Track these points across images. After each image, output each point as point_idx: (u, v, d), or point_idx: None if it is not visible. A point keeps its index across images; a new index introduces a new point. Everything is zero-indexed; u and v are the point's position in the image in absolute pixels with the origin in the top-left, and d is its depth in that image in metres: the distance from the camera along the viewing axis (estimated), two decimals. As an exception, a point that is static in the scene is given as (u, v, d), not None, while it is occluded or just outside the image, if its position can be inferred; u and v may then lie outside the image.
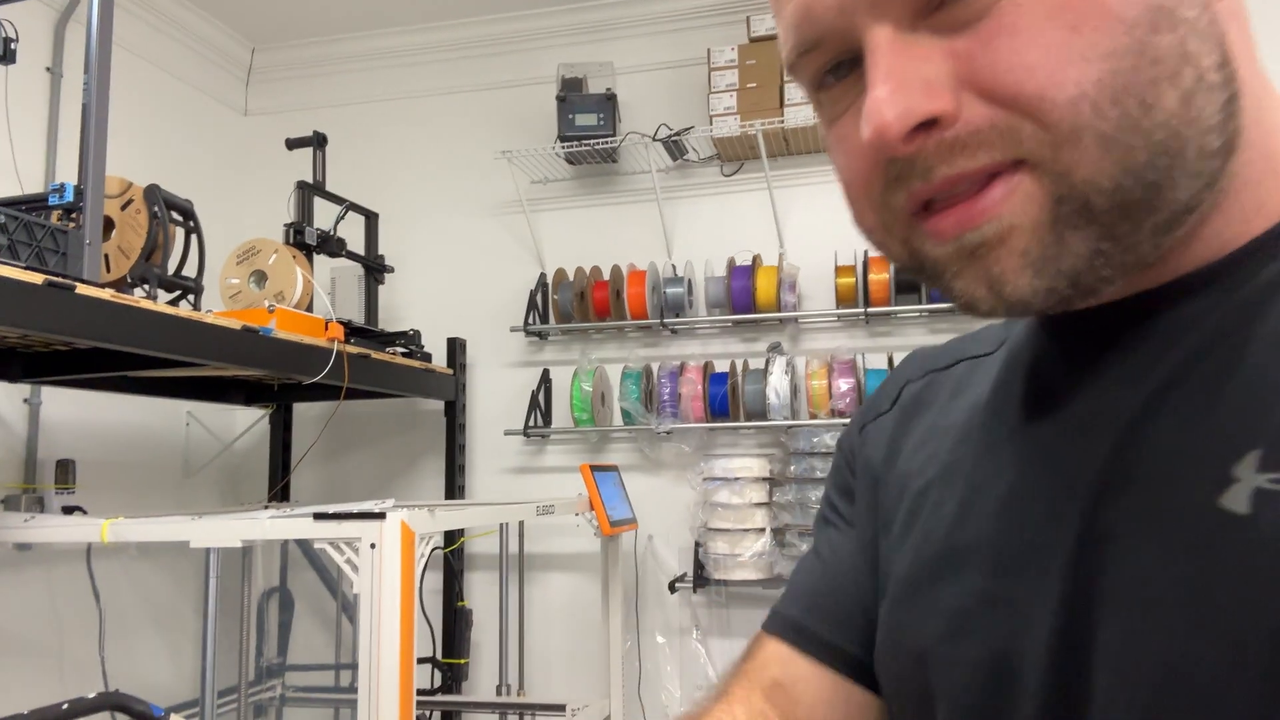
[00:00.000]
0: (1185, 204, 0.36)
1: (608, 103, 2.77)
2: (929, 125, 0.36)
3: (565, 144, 2.78)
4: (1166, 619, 0.35)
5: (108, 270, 1.87)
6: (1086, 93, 0.34)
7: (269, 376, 2.45)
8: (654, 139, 2.77)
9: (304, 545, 2.88)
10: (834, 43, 0.39)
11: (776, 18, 0.42)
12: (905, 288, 2.54)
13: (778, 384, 2.56)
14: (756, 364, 2.67)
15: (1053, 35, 0.34)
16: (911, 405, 0.56)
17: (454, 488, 2.87)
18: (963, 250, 0.38)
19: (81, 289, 1.55)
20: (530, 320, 2.89)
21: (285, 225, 2.51)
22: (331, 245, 2.58)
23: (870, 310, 2.58)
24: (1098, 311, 0.41)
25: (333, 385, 2.26)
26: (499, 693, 2.69)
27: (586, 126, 2.75)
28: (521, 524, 2.82)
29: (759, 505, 2.54)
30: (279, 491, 2.91)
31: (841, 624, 0.56)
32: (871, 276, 2.55)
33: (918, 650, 0.46)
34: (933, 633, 0.46)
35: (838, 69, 0.40)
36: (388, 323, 2.95)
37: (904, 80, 0.36)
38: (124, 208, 1.91)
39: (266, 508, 2.36)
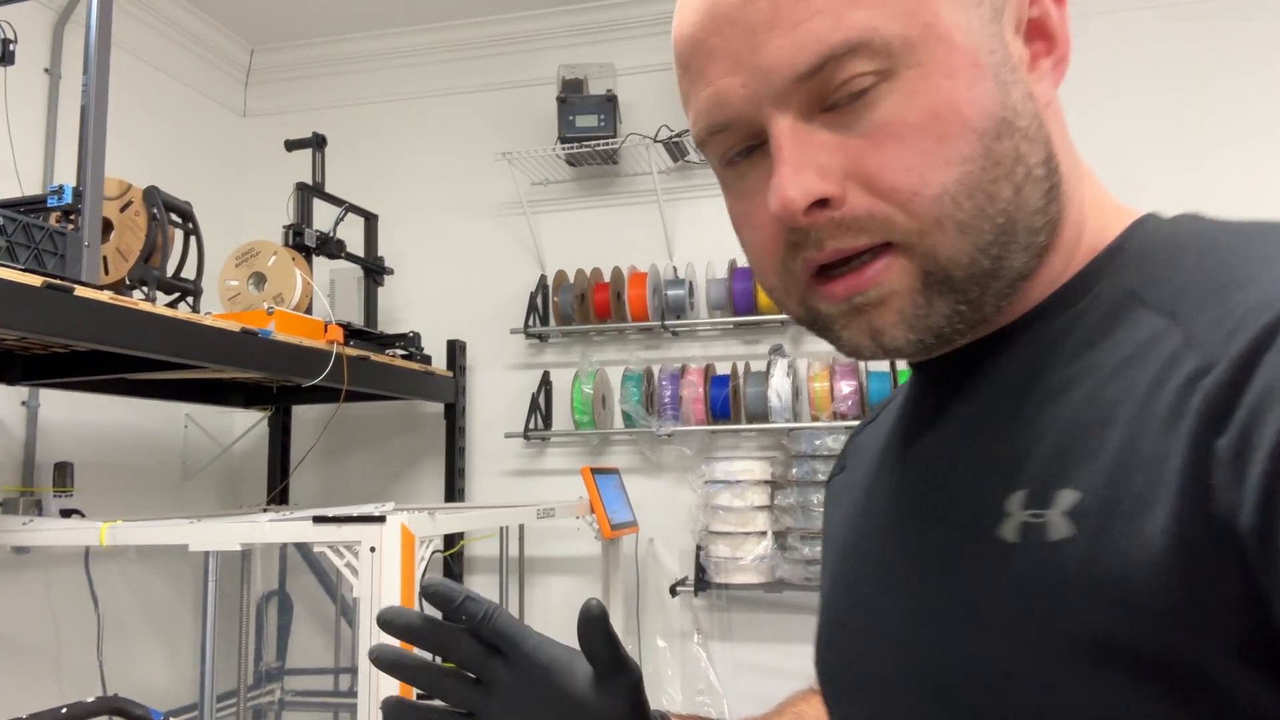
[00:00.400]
0: (1019, 271, 0.46)
1: (608, 104, 2.76)
2: (823, 204, 0.44)
3: (566, 145, 2.77)
4: (954, 627, 0.44)
5: (106, 272, 1.86)
6: (948, 190, 0.43)
7: (268, 379, 2.44)
8: (655, 140, 2.77)
9: (303, 549, 2.87)
10: (741, 127, 0.47)
11: (687, 99, 0.50)
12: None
13: (779, 386, 2.55)
14: (758, 366, 2.66)
15: (925, 142, 0.43)
16: (851, 462, 0.65)
17: (454, 491, 2.86)
18: (851, 309, 0.46)
19: (80, 291, 1.54)
20: (531, 322, 2.88)
21: (284, 227, 2.50)
22: (331, 247, 2.57)
23: (872, 312, 2.57)
24: (950, 357, 0.50)
25: (332, 388, 2.25)
26: (499, 696, 2.67)
27: (587, 128, 2.75)
28: (522, 527, 2.81)
29: (760, 508, 2.53)
30: (278, 494, 2.90)
31: None
32: (873, 278, 2.54)
33: (831, 663, 0.58)
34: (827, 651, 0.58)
35: (745, 150, 0.48)
36: (387, 325, 2.94)
37: (804, 164, 0.44)
38: (123, 209, 1.90)
39: (265, 511, 2.35)
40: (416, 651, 0.58)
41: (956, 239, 0.44)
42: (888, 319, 0.46)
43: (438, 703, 0.59)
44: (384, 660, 0.57)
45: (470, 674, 0.58)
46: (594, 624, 0.55)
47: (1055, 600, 0.39)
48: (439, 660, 0.59)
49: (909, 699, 0.46)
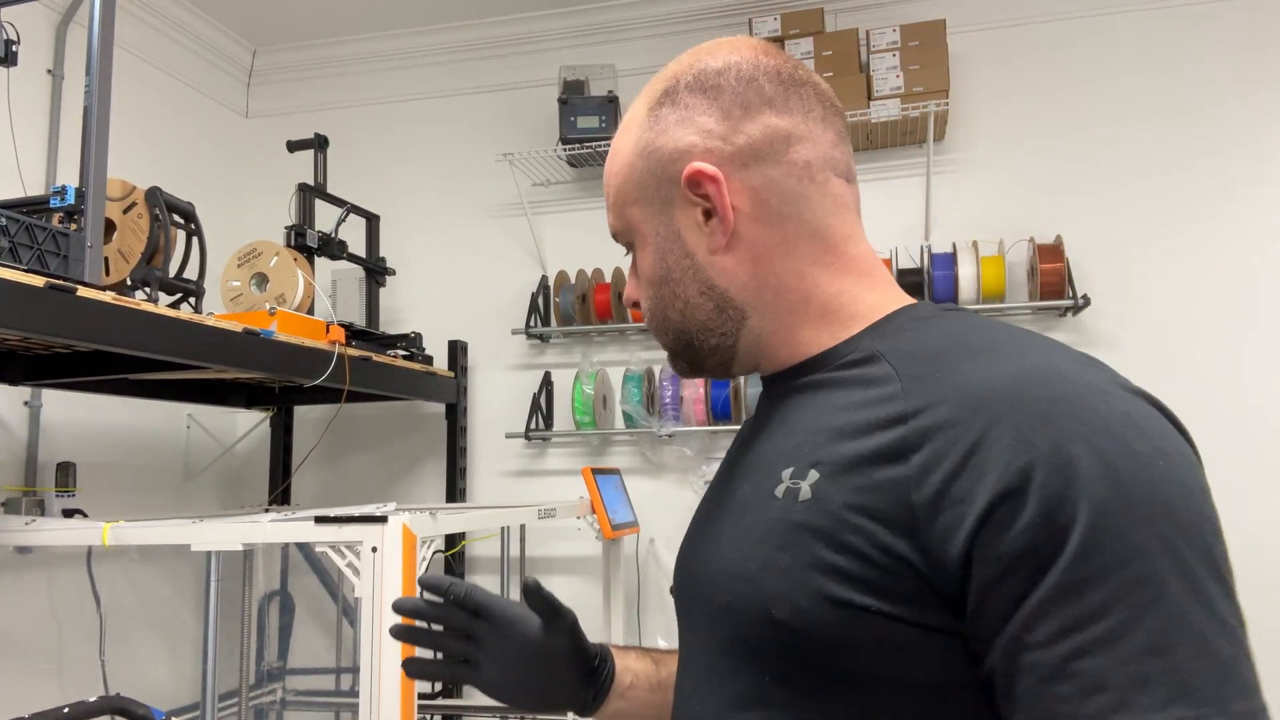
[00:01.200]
0: (717, 346, 0.75)
1: (609, 105, 2.77)
2: (635, 304, 0.79)
3: (567, 146, 2.78)
4: (743, 549, 0.66)
5: (107, 273, 1.87)
6: (649, 310, 0.77)
7: (270, 379, 2.44)
8: (656, 141, 2.77)
9: (305, 549, 2.87)
10: (622, 241, 0.80)
11: None
12: (907, 290, 2.53)
13: (780, 387, 2.55)
14: (758, 367, 2.66)
15: (647, 286, 0.76)
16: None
17: (455, 491, 2.87)
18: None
19: (83, 291, 1.55)
20: (532, 323, 2.88)
21: (286, 227, 2.51)
22: (333, 248, 2.57)
23: (872, 313, 2.57)
24: (766, 377, 0.77)
25: (334, 388, 2.26)
26: (500, 696, 2.67)
27: (588, 129, 2.75)
28: (523, 527, 2.81)
29: (761, 508, 2.53)
30: (280, 495, 2.90)
31: None
32: (874, 279, 2.54)
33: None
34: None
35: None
36: (389, 325, 2.95)
37: (630, 283, 0.79)
38: (126, 211, 1.91)
39: (267, 511, 2.35)
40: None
41: (660, 335, 0.77)
42: (672, 364, 0.81)
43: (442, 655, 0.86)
44: (398, 632, 0.85)
45: (461, 634, 0.85)
46: (531, 591, 0.82)
47: (794, 536, 0.61)
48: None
49: (706, 589, 0.69)
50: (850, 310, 0.72)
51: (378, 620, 1.61)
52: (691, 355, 0.76)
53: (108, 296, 1.61)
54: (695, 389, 2.65)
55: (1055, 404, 0.54)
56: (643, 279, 0.76)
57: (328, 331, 2.24)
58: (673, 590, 0.81)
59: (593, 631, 0.88)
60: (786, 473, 0.64)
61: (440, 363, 2.87)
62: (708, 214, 0.71)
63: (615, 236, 0.78)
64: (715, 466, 2.66)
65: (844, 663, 0.58)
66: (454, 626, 0.84)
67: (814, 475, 0.62)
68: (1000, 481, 0.52)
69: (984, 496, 0.53)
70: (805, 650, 0.59)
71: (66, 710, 1.66)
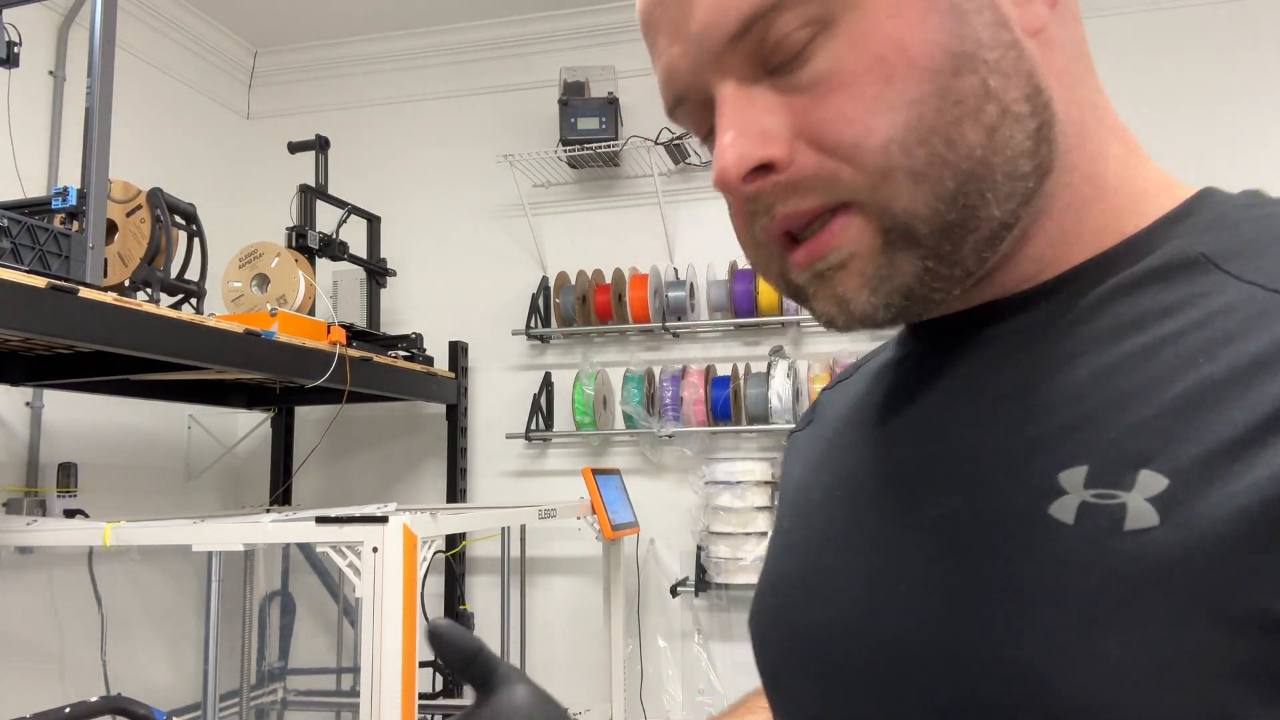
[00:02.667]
0: (1002, 220, 0.41)
1: (610, 106, 2.77)
2: (766, 169, 0.42)
3: (567, 147, 2.78)
4: (987, 611, 0.37)
5: (105, 275, 1.87)
6: (894, 137, 0.39)
7: (271, 380, 2.45)
8: (656, 143, 2.77)
9: (306, 549, 2.88)
10: (695, 98, 0.45)
11: (656, 75, 0.47)
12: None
13: (780, 387, 2.56)
14: (759, 367, 2.67)
15: (868, 89, 0.40)
16: (819, 417, 0.61)
17: (455, 491, 2.87)
18: (816, 276, 0.43)
19: (84, 292, 1.55)
20: (532, 324, 2.89)
21: (287, 229, 2.51)
22: (334, 248, 2.58)
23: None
24: (947, 320, 0.47)
25: (335, 389, 2.26)
26: (500, 697, 2.68)
27: (588, 130, 2.75)
28: (523, 528, 2.81)
29: (761, 509, 2.54)
30: (281, 495, 2.91)
31: None
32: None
33: (783, 634, 0.50)
34: (781, 615, 0.51)
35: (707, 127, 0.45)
36: (390, 326, 2.95)
37: (743, 130, 0.42)
38: (129, 214, 1.91)
39: (268, 511, 2.36)
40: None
41: (911, 190, 0.40)
42: (851, 284, 0.43)
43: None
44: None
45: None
46: (436, 639, 0.52)
47: (1129, 597, 0.34)
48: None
49: (906, 697, 0.40)
50: (1136, 185, 0.44)
51: (378, 620, 1.61)
52: (959, 235, 0.41)
53: (109, 297, 1.62)
54: (695, 389, 2.65)
55: None
56: (870, 77, 0.40)
57: (329, 332, 2.24)
58: (763, 658, 0.53)
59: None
60: (1071, 476, 0.37)
61: (441, 363, 2.88)
62: None
63: (751, 24, 0.41)
64: (716, 467, 2.68)
65: None
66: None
67: (1153, 481, 0.35)
68: None
69: None
70: None
71: (68, 710, 1.67)
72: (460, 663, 0.53)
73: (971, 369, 0.45)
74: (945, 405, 0.46)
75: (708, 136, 0.46)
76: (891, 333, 0.53)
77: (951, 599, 0.39)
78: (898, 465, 0.47)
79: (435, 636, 0.52)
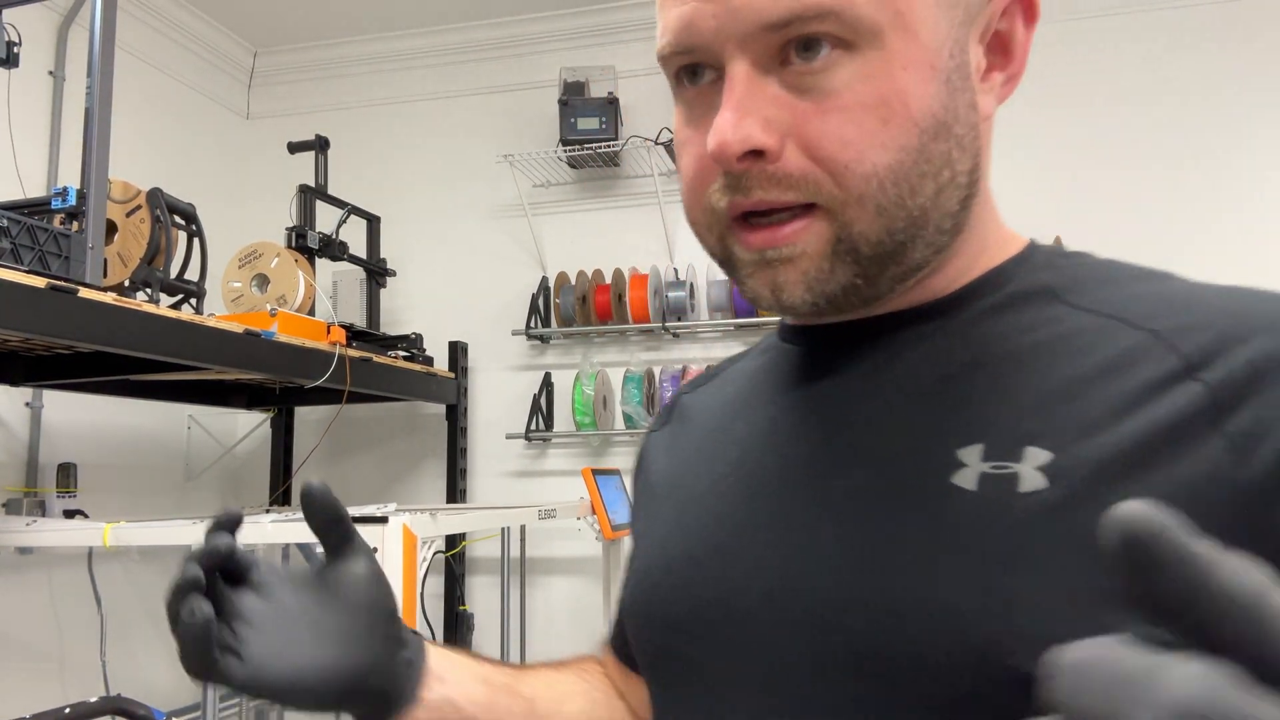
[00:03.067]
0: (918, 262, 0.50)
1: (609, 106, 2.77)
2: (758, 154, 0.46)
3: (567, 148, 2.78)
4: (893, 571, 0.44)
5: (104, 275, 1.87)
6: (878, 172, 0.46)
7: (271, 380, 2.45)
8: (656, 142, 2.77)
9: (306, 549, 2.87)
10: (703, 55, 0.48)
11: (661, 11, 0.50)
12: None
13: (780, 388, 2.56)
14: (758, 368, 2.66)
15: (869, 123, 0.45)
16: (679, 418, 0.67)
17: (455, 491, 2.87)
18: (762, 260, 0.49)
19: (84, 292, 1.55)
20: (532, 324, 2.89)
21: (287, 229, 2.51)
22: (333, 249, 2.58)
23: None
24: (838, 327, 0.54)
25: (334, 389, 2.26)
26: (500, 697, 2.67)
27: (588, 130, 2.75)
28: (523, 528, 2.81)
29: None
30: (280, 495, 2.90)
31: (623, 638, 0.67)
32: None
33: (673, 610, 0.54)
34: (677, 593, 0.54)
35: (695, 74, 0.49)
36: (389, 326, 2.95)
37: (749, 112, 0.46)
38: (129, 214, 1.91)
39: (268, 511, 2.35)
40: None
41: (873, 218, 0.47)
42: (791, 277, 0.48)
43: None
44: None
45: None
46: (314, 498, 0.55)
47: (1026, 545, 0.42)
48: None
49: (829, 648, 0.46)
50: (997, 236, 0.54)
51: (378, 620, 1.61)
52: (886, 264, 0.48)
53: (109, 297, 1.61)
54: (695, 390, 2.65)
55: None
56: (873, 112, 0.46)
57: (328, 332, 2.24)
58: (655, 635, 0.55)
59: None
60: (969, 452, 0.45)
61: (441, 364, 2.88)
62: (991, 64, 0.51)
63: (790, 20, 0.45)
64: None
65: None
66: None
67: (1039, 455, 0.43)
68: None
69: None
70: None
71: (67, 711, 1.67)
72: (323, 524, 0.56)
73: (872, 365, 0.52)
74: (845, 395, 0.53)
75: (681, 83, 0.51)
76: (743, 345, 0.56)
77: (868, 556, 0.46)
78: (799, 449, 0.53)
79: (307, 494, 0.55)
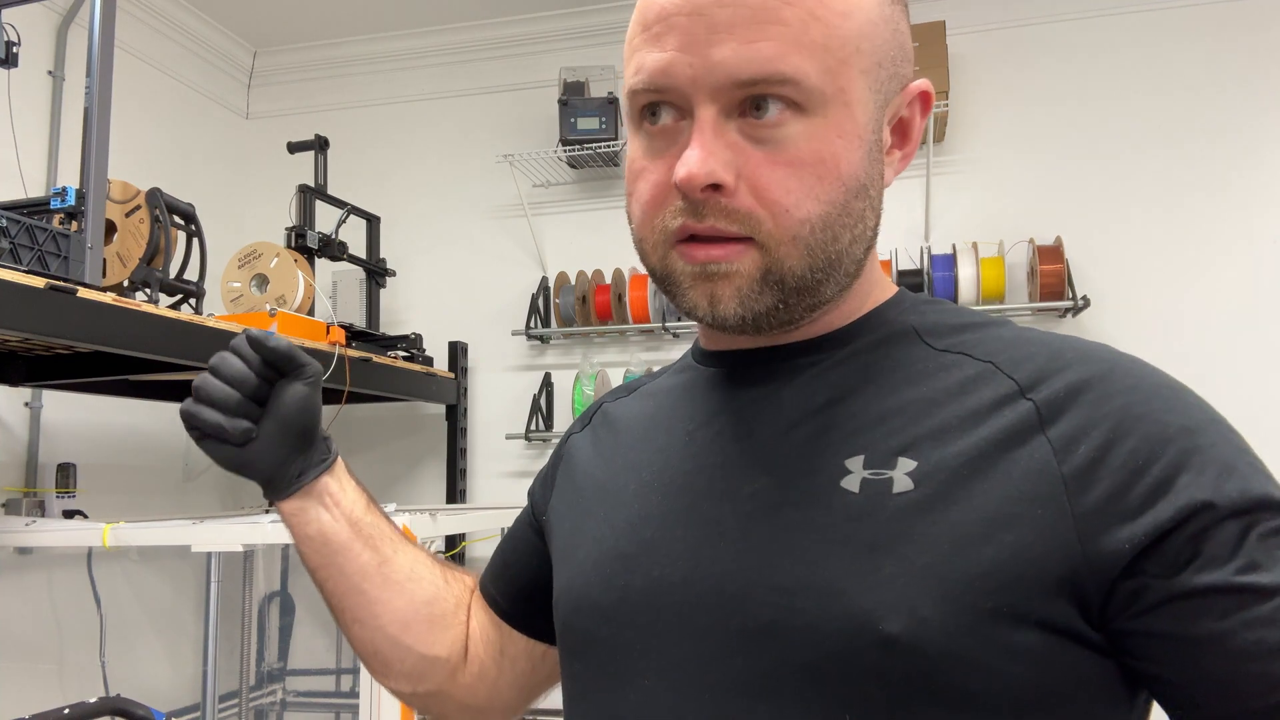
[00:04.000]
0: (827, 298, 0.59)
1: (610, 106, 2.77)
2: (716, 187, 0.55)
3: (567, 147, 2.78)
4: (789, 558, 0.54)
5: (103, 276, 1.87)
6: (811, 219, 0.55)
7: (270, 380, 2.44)
8: (656, 143, 2.77)
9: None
10: (674, 97, 0.56)
11: (635, 52, 0.58)
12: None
13: (780, 388, 2.55)
14: (758, 368, 2.66)
15: (808, 177, 0.55)
16: (601, 423, 0.75)
17: (455, 492, 2.87)
18: (702, 274, 0.57)
19: (83, 292, 1.55)
20: (532, 324, 2.88)
21: (287, 229, 2.51)
22: (333, 249, 2.57)
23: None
24: (748, 353, 0.64)
25: (334, 389, 2.26)
26: (500, 697, 2.67)
27: (588, 130, 2.75)
28: (523, 528, 2.80)
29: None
30: (280, 495, 2.89)
31: (503, 587, 0.83)
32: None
33: (599, 602, 0.63)
34: (608, 583, 0.63)
35: (654, 113, 0.57)
36: (389, 326, 2.95)
37: (714, 152, 0.54)
38: (129, 215, 1.91)
39: (268, 512, 2.35)
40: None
41: (800, 256, 0.56)
42: (726, 291, 0.57)
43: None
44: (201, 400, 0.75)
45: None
46: (259, 341, 0.73)
47: (898, 535, 0.52)
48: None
49: (720, 607, 0.55)
50: (875, 281, 0.65)
51: (378, 621, 1.61)
52: (804, 295, 0.58)
53: (108, 297, 1.61)
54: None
55: (1134, 362, 0.57)
56: (811, 169, 0.55)
57: (328, 333, 2.24)
58: (584, 621, 0.63)
59: None
60: (853, 462, 0.55)
61: (440, 364, 2.87)
62: (893, 143, 0.61)
63: (757, 81, 0.54)
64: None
65: (963, 682, 0.50)
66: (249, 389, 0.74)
67: (908, 464, 0.54)
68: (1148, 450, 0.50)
69: (1142, 462, 0.50)
70: (918, 672, 0.50)
71: (67, 711, 1.66)
72: (273, 357, 0.73)
73: (775, 387, 0.62)
74: (752, 412, 0.62)
75: (644, 118, 0.58)
76: (665, 359, 0.63)
77: (765, 546, 0.55)
78: (712, 458, 0.62)
79: (253, 339, 0.73)
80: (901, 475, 0.54)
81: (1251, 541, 0.48)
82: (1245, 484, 0.49)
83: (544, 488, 0.79)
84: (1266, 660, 0.46)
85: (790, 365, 0.62)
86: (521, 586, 0.79)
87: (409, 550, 0.81)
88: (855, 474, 0.55)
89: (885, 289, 0.65)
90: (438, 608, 0.80)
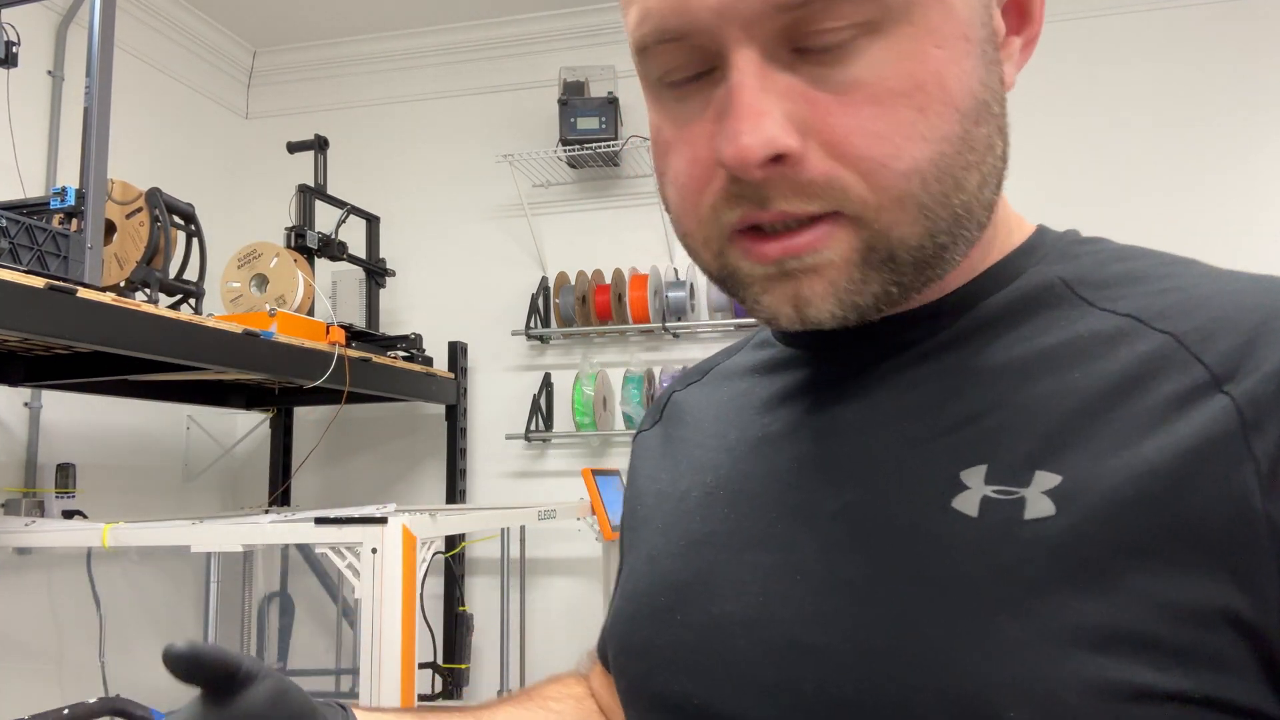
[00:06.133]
0: (954, 261, 0.44)
1: (609, 106, 2.77)
2: (779, 158, 0.40)
3: (567, 147, 2.77)
4: (895, 596, 0.40)
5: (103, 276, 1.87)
6: (919, 168, 0.40)
7: (270, 380, 2.44)
8: (656, 143, 2.77)
9: (305, 550, 2.87)
10: (699, 41, 0.41)
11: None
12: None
13: (780, 388, 2.55)
14: (758, 368, 2.66)
15: (904, 112, 0.39)
16: (671, 417, 0.61)
17: (455, 492, 2.87)
18: (780, 273, 0.42)
19: (83, 293, 1.55)
20: (532, 324, 2.88)
21: (286, 229, 2.51)
22: (333, 249, 2.57)
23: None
24: (838, 330, 0.45)
25: (334, 389, 2.26)
26: (500, 698, 2.67)
27: (588, 130, 2.75)
28: (523, 528, 2.81)
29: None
30: (280, 496, 2.90)
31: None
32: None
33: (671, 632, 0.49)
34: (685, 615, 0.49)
35: (676, 69, 0.43)
36: (389, 326, 2.94)
37: (765, 110, 0.39)
38: (129, 216, 1.90)
39: (267, 512, 2.35)
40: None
41: (914, 220, 0.41)
42: (817, 289, 0.42)
43: None
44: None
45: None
46: (180, 658, 0.44)
47: (1026, 582, 0.38)
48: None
49: (804, 686, 0.42)
50: (1006, 222, 0.49)
51: (377, 622, 1.61)
52: (926, 269, 0.43)
53: (108, 297, 1.61)
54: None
55: None
56: (908, 100, 0.40)
57: (328, 333, 2.24)
58: (634, 664, 0.51)
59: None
60: (972, 474, 0.41)
61: (440, 364, 2.87)
62: (1009, 28, 0.46)
63: None
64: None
65: None
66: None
67: (1049, 479, 0.39)
68: None
69: None
70: None
71: (66, 712, 1.66)
72: (210, 674, 0.46)
73: (875, 375, 0.48)
74: (842, 406, 0.48)
75: (674, 77, 0.44)
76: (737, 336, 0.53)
77: (850, 589, 0.42)
78: (789, 462, 0.48)
79: (172, 657, 0.44)
80: (1038, 494, 0.39)
81: None
82: None
83: (627, 510, 0.64)
84: None
85: (892, 344, 0.48)
86: None
87: (497, 712, 0.64)
88: (974, 490, 0.41)
89: (1019, 229, 0.50)
90: None
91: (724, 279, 0.46)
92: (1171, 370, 0.40)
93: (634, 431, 0.67)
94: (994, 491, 0.40)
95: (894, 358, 0.47)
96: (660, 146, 0.46)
